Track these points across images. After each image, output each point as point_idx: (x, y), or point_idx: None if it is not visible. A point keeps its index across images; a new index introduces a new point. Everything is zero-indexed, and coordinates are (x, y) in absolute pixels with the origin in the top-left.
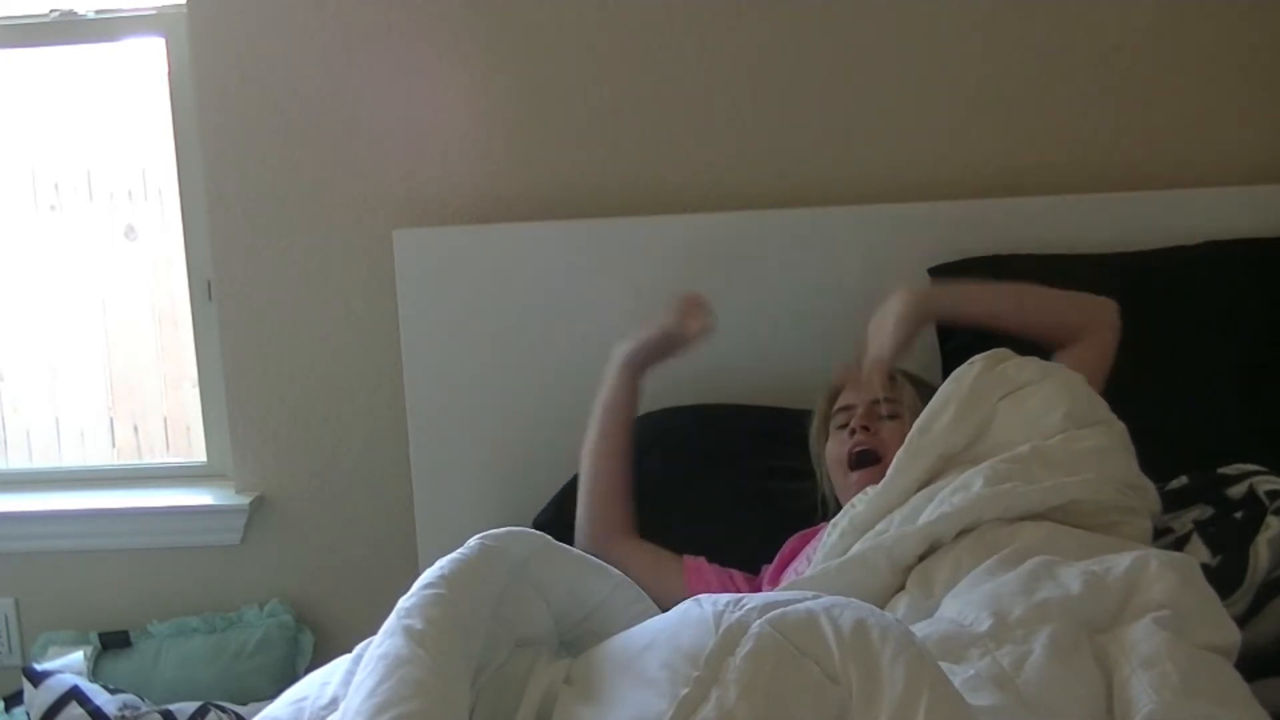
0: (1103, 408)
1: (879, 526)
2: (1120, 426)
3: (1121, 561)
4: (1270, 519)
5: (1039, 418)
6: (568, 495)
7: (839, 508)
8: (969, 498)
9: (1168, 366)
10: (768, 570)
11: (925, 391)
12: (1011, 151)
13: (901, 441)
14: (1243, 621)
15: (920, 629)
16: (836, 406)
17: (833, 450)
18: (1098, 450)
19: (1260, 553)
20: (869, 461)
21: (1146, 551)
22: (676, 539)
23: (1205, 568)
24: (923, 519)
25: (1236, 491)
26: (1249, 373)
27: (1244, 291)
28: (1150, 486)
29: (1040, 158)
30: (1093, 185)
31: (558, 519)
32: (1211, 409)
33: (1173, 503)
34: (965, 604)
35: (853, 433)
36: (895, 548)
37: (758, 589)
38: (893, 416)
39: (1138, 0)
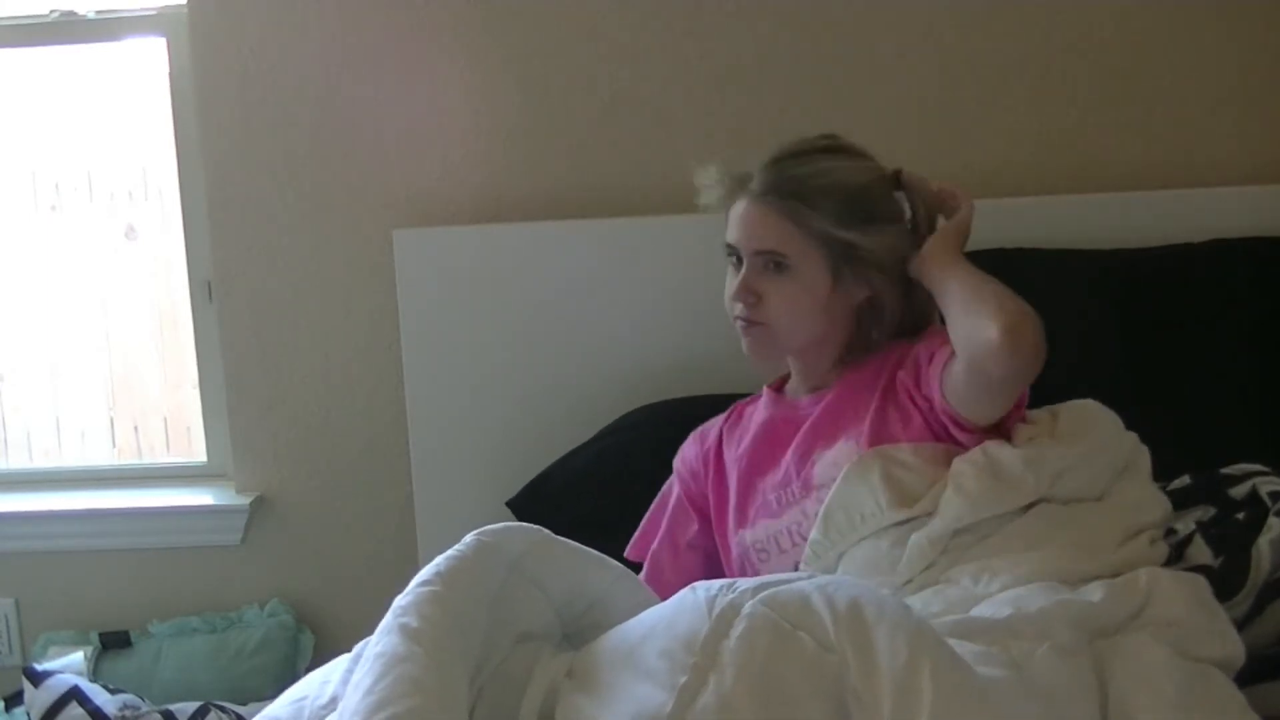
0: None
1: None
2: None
3: (1138, 578)
4: (1272, 520)
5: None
6: (540, 482)
7: None
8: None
9: (1170, 365)
10: None
11: (846, 201)
12: (1011, 151)
13: (790, 304)
14: (1243, 624)
15: (937, 591)
16: (725, 238)
17: (726, 290)
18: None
19: (1262, 554)
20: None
21: (1157, 570)
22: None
23: (1207, 569)
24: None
25: (1239, 492)
26: (1252, 372)
27: (1247, 290)
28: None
29: (1041, 157)
30: (1094, 185)
31: (528, 505)
32: (1214, 408)
33: (1175, 503)
34: (988, 584)
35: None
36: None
37: None
38: (779, 268)
39: None
